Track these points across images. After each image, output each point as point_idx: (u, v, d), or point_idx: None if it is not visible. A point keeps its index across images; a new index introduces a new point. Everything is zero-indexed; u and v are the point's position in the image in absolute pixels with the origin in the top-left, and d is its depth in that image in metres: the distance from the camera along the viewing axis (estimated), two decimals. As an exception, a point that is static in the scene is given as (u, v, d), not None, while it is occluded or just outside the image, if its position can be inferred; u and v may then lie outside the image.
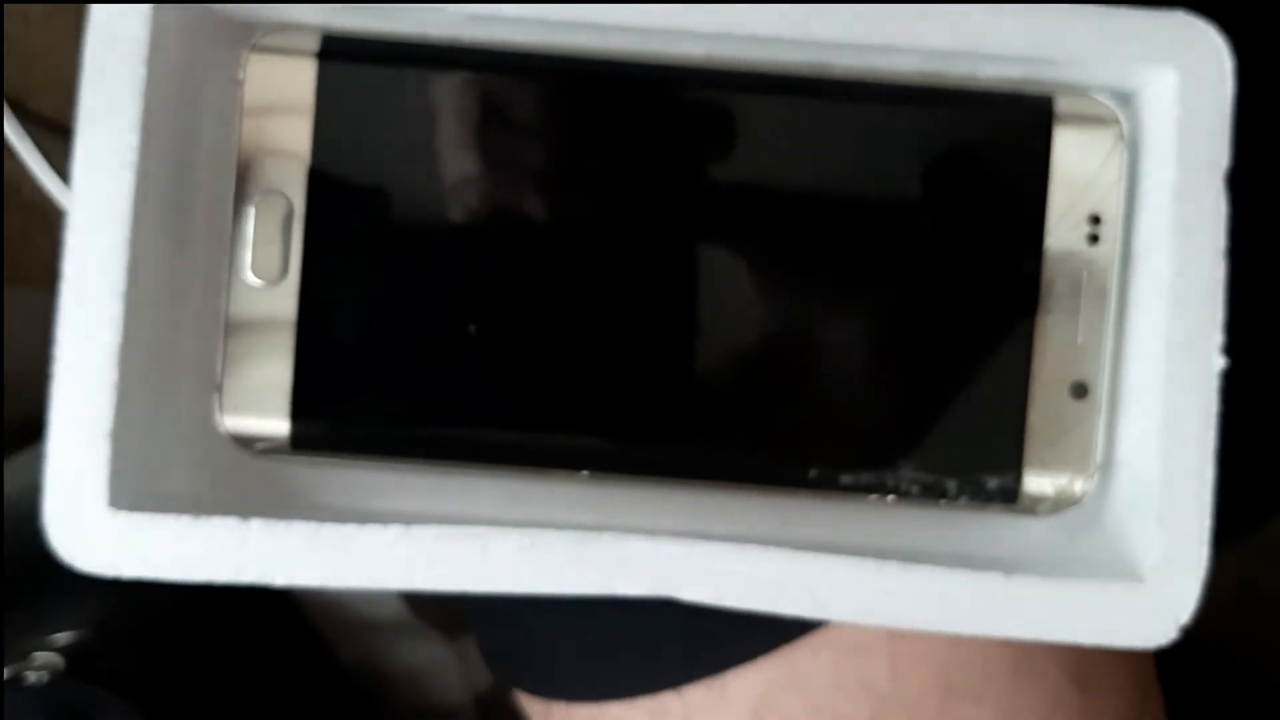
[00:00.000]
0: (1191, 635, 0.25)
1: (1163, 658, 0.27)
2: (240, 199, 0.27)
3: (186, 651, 0.43)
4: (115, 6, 0.25)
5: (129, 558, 0.25)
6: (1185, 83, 0.26)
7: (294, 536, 0.25)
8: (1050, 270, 0.27)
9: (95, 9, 0.25)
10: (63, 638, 0.40)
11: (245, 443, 0.27)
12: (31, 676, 0.37)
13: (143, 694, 0.39)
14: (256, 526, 0.25)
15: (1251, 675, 0.47)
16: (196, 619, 0.44)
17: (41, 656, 0.38)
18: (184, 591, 0.25)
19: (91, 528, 0.25)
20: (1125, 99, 0.27)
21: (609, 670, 0.31)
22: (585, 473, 0.27)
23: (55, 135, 0.25)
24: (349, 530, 0.25)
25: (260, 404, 0.27)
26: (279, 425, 0.27)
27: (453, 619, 0.51)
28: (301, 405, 0.27)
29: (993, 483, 0.27)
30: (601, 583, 0.25)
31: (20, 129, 0.29)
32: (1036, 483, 0.27)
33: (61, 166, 0.26)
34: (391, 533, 0.25)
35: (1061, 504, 0.27)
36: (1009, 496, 0.27)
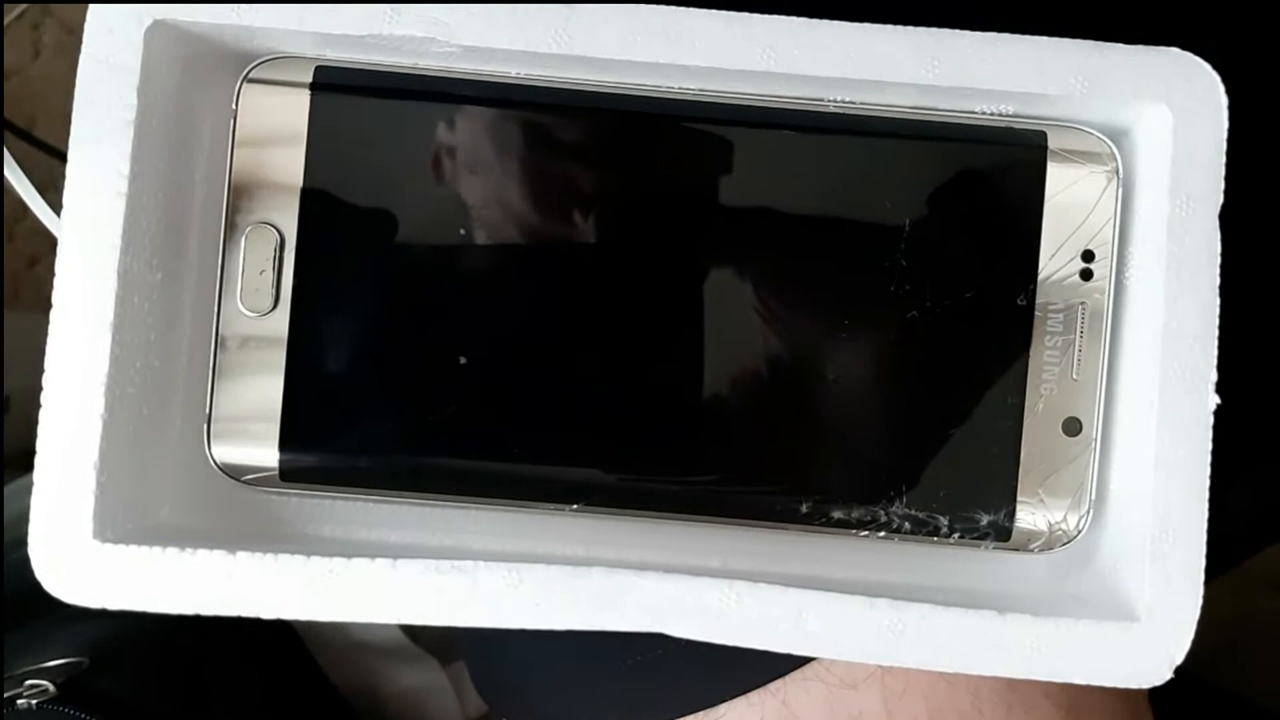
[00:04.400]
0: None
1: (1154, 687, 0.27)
2: (232, 230, 0.27)
3: (180, 677, 0.42)
4: (108, 37, 0.25)
5: (114, 589, 0.25)
6: (1179, 119, 0.26)
7: (281, 569, 0.25)
8: (1043, 306, 0.27)
9: (89, 38, 0.25)
10: (56, 662, 0.40)
11: (234, 474, 0.27)
12: (22, 701, 0.37)
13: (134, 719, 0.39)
14: (243, 559, 0.25)
15: (1238, 701, 0.47)
16: (191, 644, 0.43)
17: (33, 681, 0.38)
18: (179, 617, 0.25)
19: (76, 559, 0.25)
20: (1119, 135, 0.27)
21: (599, 702, 0.31)
22: (575, 506, 0.27)
23: (62, 163, 0.25)
24: (336, 563, 0.25)
25: (250, 435, 0.27)
26: (268, 456, 0.27)
27: (448, 644, 0.50)
28: (291, 437, 0.27)
29: (985, 519, 0.27)
30: (589, 617, 0.25)
31: (10, 156, 0.29)
32: (1029, 520, 0.27)
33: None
34: (379, 566, 0.25)
35: (1054, 541, 0.27)
36: (1002, 534, 0.27)
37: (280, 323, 0.27)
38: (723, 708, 0.29)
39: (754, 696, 0.29)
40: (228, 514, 0.27)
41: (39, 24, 0.58)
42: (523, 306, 0.27)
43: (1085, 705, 0.29)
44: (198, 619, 0.25)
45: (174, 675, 0.42)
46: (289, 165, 0.26)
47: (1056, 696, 0.29)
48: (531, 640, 0.30)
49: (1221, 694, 0.47)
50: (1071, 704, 0.29)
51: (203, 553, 0.25)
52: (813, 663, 0.28)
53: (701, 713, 0.29)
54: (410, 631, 0.51)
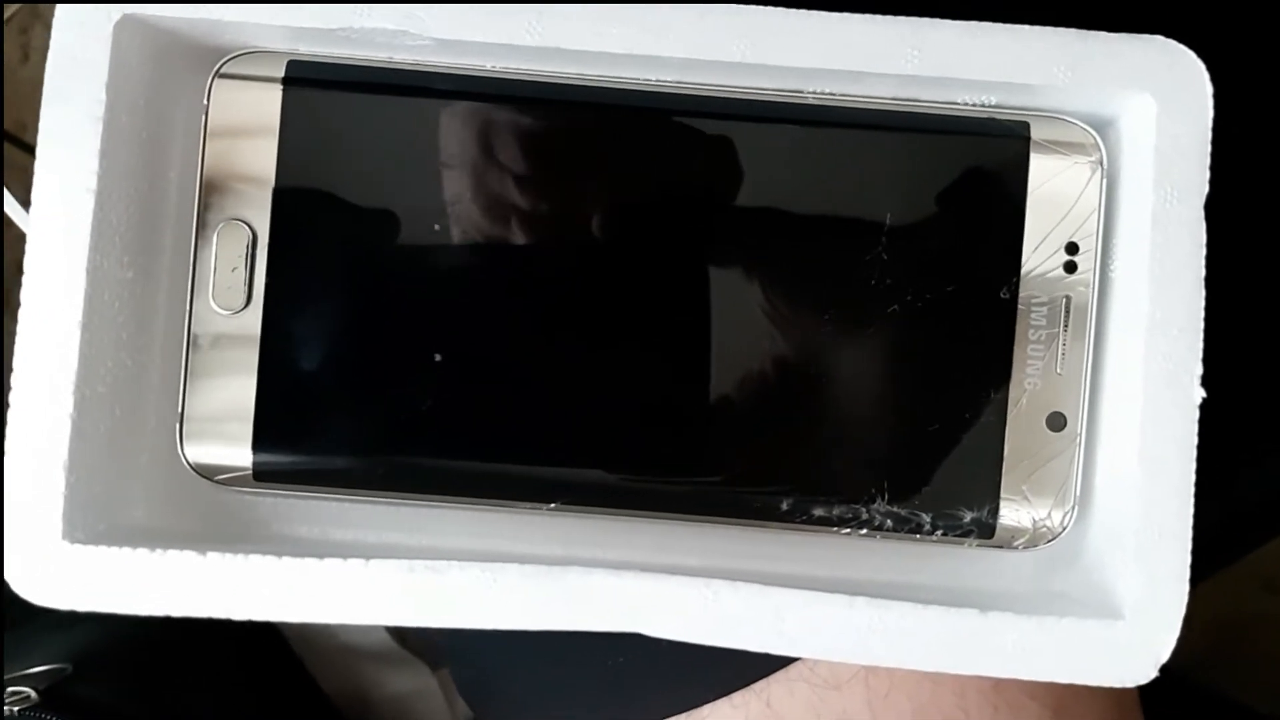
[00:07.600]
0: (1169, 663, 0.25)
1: (1143, 686, 0.26)
2: (203, 227, 0.26)
3: (164, 682, 0.42)
4: (77, 32, 0.25)
5: (85, 591, 0.25)
6: (1163, 109, 0.25)
7: (252, 570, 0.24)
8: (1027, 299, 0.26)
9: (57, 34, 0.25)
10: (38, 669, 0.39)
11: (207, 473, 0.26)
12: (3, 708, 0.37)
13: (118, 726, 0.38)
14: (214, 559, 0.24)
15: (1227, 703, 0.47)
16: (177, 651, 0.43)
17: (15, 688, 0.38)
18: (164, 622, 0.25)
19: (46, 561, 0.24)
20: (1104, 125, 0.26)
21: (581, 706, 0.30)
22: (553, 505, 0.26)
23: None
24: (308, 564, 0.24)
25: (223, 435, 0.26)
26: (242, 456, 0.26)
27: (436, 648, 0.50)
28: (264, 436, 0.26)
29: (969, 516, 0.26)
30: (565, 618, 0.25)
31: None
32: (1013, 516, 0.26)
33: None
34: (351, 566, 0.24)
35: (1039, 538, 0.26)
36: (985, 531, 0.26)
37: (253, 321, 0.26)
38: (706, 709, 0.29)
39: (737, 697, 0.28)
40: (202, 514, 0.27)
41: (27, 28, 0.57)
42: (497, 303, 0.26)
43: (1073, 705, 0.29)
44: (183, 624, 0.25)
45: (159, 682, 0.42)
46: (261, 161, 0.26)
47: (1043, 697, 0.28)
48: (512, 643, 0.29)
49: (1214, 696, 0.47)
50: (1059, 704, 0.28)
51: (173, 553, 0.24)
52: (797, 662, 0.28)
53: (684, 714, 0.29)
54: (399, 635, 0.50)
